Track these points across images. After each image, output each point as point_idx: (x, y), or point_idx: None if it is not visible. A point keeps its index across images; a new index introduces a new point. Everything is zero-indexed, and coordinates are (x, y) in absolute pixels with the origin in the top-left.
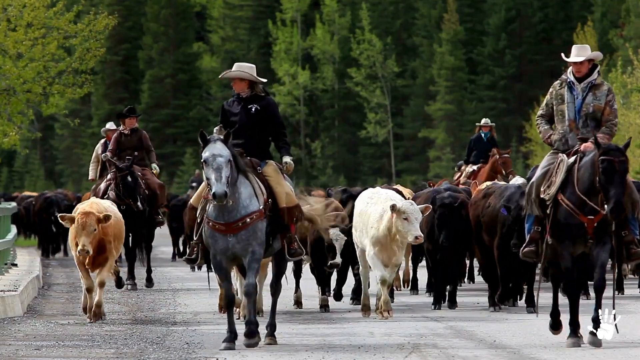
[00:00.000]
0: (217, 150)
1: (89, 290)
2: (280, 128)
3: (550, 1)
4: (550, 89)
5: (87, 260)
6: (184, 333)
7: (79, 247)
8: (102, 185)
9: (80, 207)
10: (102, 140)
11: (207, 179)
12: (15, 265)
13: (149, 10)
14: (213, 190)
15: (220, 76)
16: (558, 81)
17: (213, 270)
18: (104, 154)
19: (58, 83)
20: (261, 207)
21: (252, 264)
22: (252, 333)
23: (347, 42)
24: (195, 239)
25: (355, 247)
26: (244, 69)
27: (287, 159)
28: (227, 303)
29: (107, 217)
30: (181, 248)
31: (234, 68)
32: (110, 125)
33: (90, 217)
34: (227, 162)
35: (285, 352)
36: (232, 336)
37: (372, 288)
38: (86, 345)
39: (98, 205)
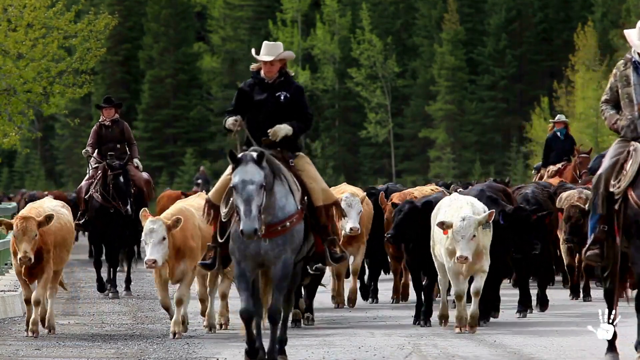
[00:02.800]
0: (248, 175)
1: (27, 301)
2: (304, 114)
3: (551, 1)
4: (614, 70)
5: (23, 270)
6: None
7: (20, 255)
8: (84, 184)
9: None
10: None
11: (236, 207)
12: None
13: (149, 11)
14: (241, 227)
15: (257, 60)
16: (622, 61)
17: (234, 279)
18: (84, 150)
19: (58, 83)
20: (299, 207)
21: (281, 282)
22: None
23: (348, 42)
24: (220, 240)
25: (434, 259)
26: (276, 48)
27: (282, 125)
28: (247, 317)
29: (49, 218)
30: None
31: (263, 48)
32: None
33: (31, 221)
34: (258, 189)
35: None
36: (255, 351)
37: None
38: (86, 345)
39: (39, 208)
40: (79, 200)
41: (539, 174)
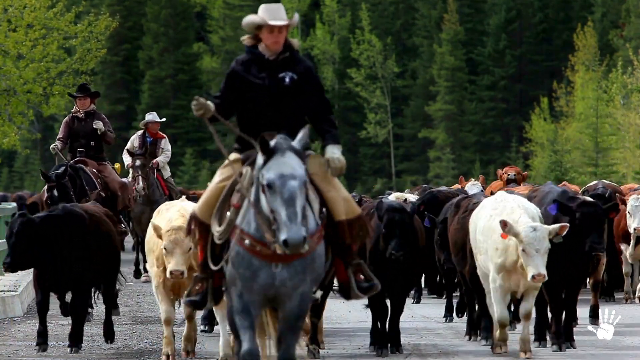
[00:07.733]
0: (288, 169)
1: None
2: (325, 104)
3: (551, 1)
4: None
5: None
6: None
7: None
8: (46, 187)
9: None
10: (140, 132)
11: (273, 211)
12: None
13: (149, 11)
14: (285, 236)
15: (246, 22)
16: None
17: (233, 316)
18: (53, 145)
19: (58, 84)
20: (319, 222)
21: (296, 322)
22: None
23: (347, 43)
24: (214, 268)
25: (478, 270)
26: (279, 12)
27: (333, 151)
28: None
29: None
30: None
31: (260, 12)
32: (152, 116)
33: None
34: (302, 187)
35: None
36: None
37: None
38: (86, 345)
39: None
40: (40, 205)
41: None
